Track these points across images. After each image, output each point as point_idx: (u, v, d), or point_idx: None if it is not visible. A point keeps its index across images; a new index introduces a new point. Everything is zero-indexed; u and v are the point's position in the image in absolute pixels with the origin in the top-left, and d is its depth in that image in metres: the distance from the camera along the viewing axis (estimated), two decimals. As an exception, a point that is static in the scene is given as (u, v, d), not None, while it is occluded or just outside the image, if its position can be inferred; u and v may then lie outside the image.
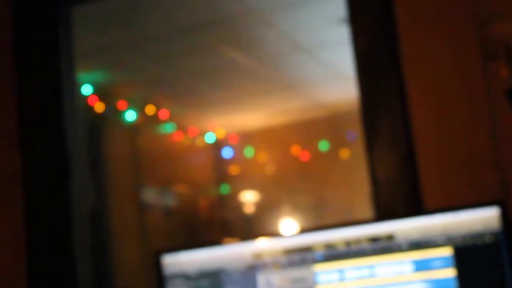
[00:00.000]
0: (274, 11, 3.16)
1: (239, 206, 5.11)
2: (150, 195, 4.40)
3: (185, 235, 4.63)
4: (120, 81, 3.94)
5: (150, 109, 4.33)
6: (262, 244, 1.42)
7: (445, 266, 1.30)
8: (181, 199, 4.81)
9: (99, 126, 3.82)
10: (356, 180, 4.45)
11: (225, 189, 5.21)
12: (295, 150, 5.06)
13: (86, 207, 2.01)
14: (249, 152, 5.18)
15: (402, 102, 1.57)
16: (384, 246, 1.33)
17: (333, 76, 4.11)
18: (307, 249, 1.38)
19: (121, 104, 4.06)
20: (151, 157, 4.47)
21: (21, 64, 1.98)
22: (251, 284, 1.40)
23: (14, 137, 1.94)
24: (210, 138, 5.02)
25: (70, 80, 2.02)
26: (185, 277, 1.44)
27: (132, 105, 4.13)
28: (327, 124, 4.91)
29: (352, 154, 4.85)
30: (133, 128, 4.23)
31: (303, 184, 5.02)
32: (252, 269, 1.41)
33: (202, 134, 4.97)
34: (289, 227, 4.76)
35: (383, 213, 1.55)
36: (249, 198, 5.12)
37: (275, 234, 1.44)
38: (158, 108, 4.39)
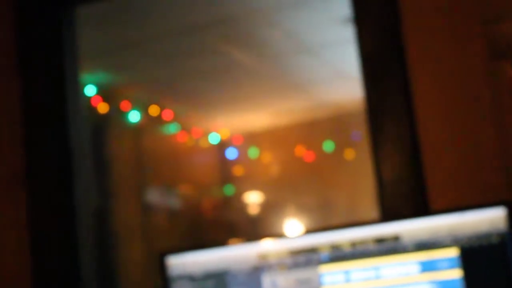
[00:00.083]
0: (279, 11, 3.16)
1: (243, 207, 5.10)
2: (154, 196, 4.40)
3: (189, 236, 4.62)
4: (124, 82, 3.94)
5: (154, 110, 4.32)
6: (267, 245, 1.41)
7: (451, 267, 1.29)
8: (185, 200, 4.80)
9: (103, 127, 3.82)
10: (361, 181, 4.45)
11: (229, 190, 5.20)
12: (300, 150, 5.05)
13: (90, 207, 2.01)
14: (253, 152, 5.17)
15: (408, 102, 1.57)
16: (390, 247, 1.32)
17: (337, 76, 4.10)
18: (312, 250, 1.37)
19: (124, 104, 4.06)
20: (155, 157, 4.47)
21: (24, 65, 1.98)
22: (256, 285, 1.40)
23: (18, 138, 1.94)
24: (214, 138, 5.01)
25: (74, 81, 2.01)
26: (190, 278, 1.43)
27: (135, 105, 4.13)
28: (332, 124, 4.90)
29: (357, 155, 4.83)
30: (137, 129, 4.22)
31: (308, 185, 5.01)
32: (257, 270, 1.40)
33: (206, 134, 4.97)
34: (294, 228, 4.75)
35: (388, 214, 1.54)
36: (253, 199, 5.11)
37: (280, 235, 1.43)
38: (162, 108, 4.38)
